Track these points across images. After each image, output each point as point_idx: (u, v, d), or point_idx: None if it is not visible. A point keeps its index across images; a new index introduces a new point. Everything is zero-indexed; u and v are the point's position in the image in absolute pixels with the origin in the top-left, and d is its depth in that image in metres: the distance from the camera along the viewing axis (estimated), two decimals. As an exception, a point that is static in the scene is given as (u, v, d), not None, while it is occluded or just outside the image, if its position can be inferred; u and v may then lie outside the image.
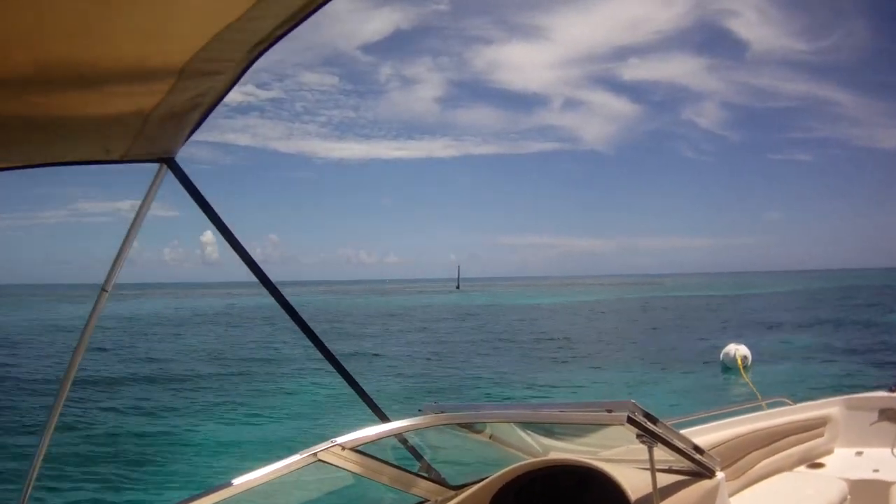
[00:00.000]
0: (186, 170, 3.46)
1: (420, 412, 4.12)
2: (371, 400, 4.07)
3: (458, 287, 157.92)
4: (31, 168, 3.17)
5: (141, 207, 3.49)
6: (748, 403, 6.16)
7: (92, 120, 2.79)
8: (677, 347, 35.00)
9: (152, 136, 3.07)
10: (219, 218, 3.64)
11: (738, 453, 5.07)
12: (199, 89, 2.75)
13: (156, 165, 3.38)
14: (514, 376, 27.48)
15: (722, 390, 23.46)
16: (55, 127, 2.79)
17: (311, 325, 3.93)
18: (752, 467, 5.10)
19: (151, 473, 15.06)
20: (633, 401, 3.32)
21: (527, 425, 4.25)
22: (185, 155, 3.40)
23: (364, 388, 4.06)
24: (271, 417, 20.93)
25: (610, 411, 3.35)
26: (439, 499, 4.12)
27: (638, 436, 3.27)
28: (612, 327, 49.71)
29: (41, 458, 3.32)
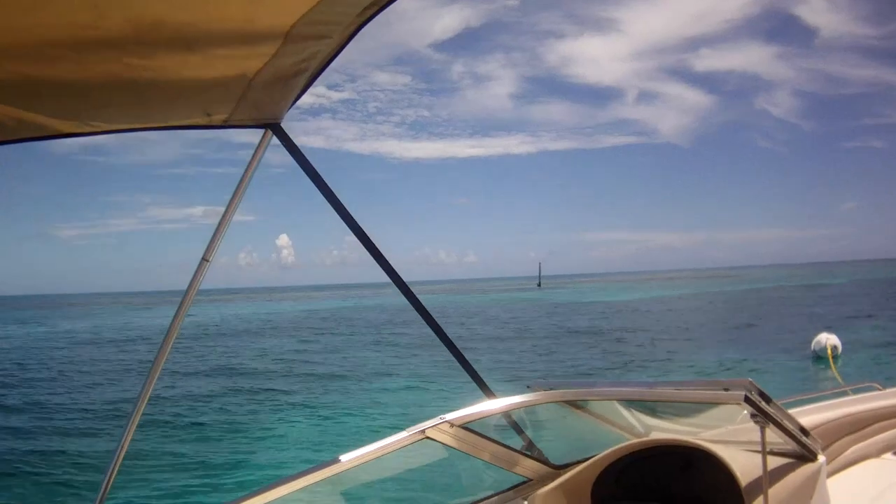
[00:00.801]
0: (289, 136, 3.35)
1: (528, 388, 4.04)
2: (479, 377, 3.93)
3: (539, 285, 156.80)
4: (136, 132, 3.12)
5: (245, 173, 3.37)
6: (834, 389, 5.98)
7: (193, 83, 2.71)
8: (764, 339, 34.30)
9: (256, 101, 3.00)
10: (326, 185, 3.52)
11: (828, 439, 4.91)
12: (305, 53, 2.68)
13: (259, 131, 3.29)
14: (606, 374, 27.25)
15: (812, 380, 22.92)
16: (155, 90, 2.71)
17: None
18: (841, 453, 4.94)
19: (249, 465, 15.28)
20: (749, 379, 3.19)
21: (630, 404, 4.16)
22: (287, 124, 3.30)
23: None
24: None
25: (727, 389, 3.23)
26: (542, 478, 4.03)
27: (752, 415, 3.14)
28: (697, 321, 48.76)
29: (124, 449, 3.23)
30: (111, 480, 3.19)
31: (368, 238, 3.64)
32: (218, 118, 3.09)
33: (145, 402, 3.25)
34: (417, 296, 3.82)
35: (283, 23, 2.37)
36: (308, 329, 55.65)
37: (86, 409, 23.16)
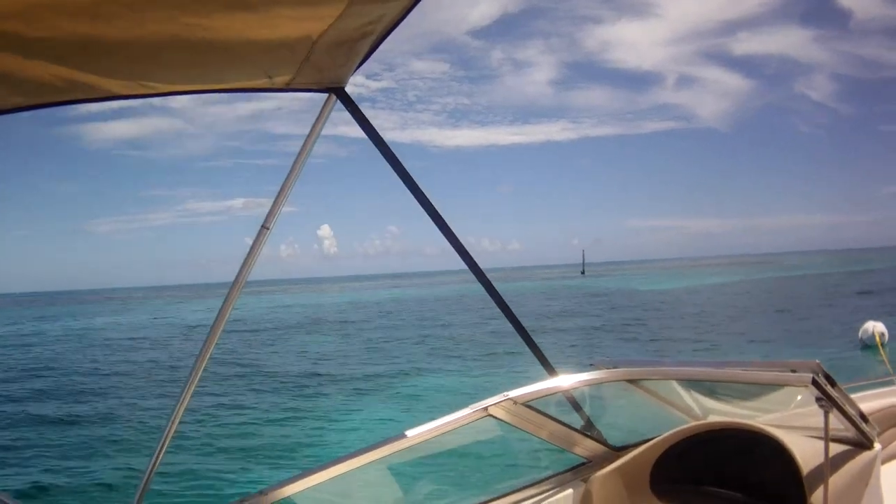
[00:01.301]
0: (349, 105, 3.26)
1: (591, 367, 3.98)
2: (542, 354, 3.85)
3: (583, 272, 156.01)
4: (194, 94, 3.05)
5: (308, 138, 3.27)
6: (884, 378, 5.88)
7: (254, 45, 2.63)
8: (810, 326, 33.82)
9: (319, 64, 2.91)
10: (393, 154, 3.44)
11: (880, 427, 4.81)
12: (371, 16, 2.60)
13: (322, 95, 3.21)
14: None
15: (860, 369, 22.55)
16: (214, 51, 2.62)
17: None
18: (891, 442, 4.87)
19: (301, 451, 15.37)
20: (817, 361, 3.14)
21: (689, 385, 4.09)
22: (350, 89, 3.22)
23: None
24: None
25: (794, 371, 3.17)
26: (600, 459, 3.99)
27: (817, 399, 3.06)
28: (743, 310, 48.12)
29: (169, 437, 3.15)
30: (154, 468, 3.14)
31: (435, 210, 3.58)
32: (280, 81, 3.02)
33: (191, 391, 3.20)
34: (484, 272, 3.75)
35: None
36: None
37: (124, 403, 23.27)
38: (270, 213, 3.27)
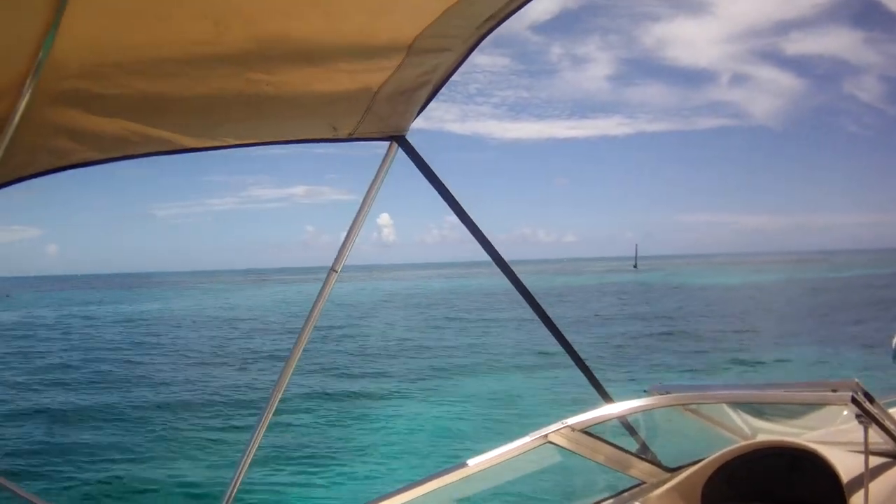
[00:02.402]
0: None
1: (646, 393, 4.03)
2: (596, 380, 3.92)
3: (635, 266, 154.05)
4: (259, 146, 3.08)
5: (372, 185, 3.31)
6: None
7: (318, 97, 2.68)
8: (858, 329, 33.00)
9: (381, 114, 2.95)
10: (451, 195, 3.47)
11: None
12: (427, 66, 2.66)
13: (385, 144, 3.24)
14: (696, 359, 26.90)
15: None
16: (278, 104, 2.68)
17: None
18: None
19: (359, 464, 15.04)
20: (856, 380, 3.23)
21: (737, 405, 4.14)
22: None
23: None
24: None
25: (835, 391, 3.25)
26: (654, 481, 4.00)
27: (857, 416, 3.13)
28: (791, 310, 47.17)
29: (257, 441, 3.18)
30: (242, 474, 3.15)
31: (495, 250, 3.62)
32: (344, 132, 3.05)
33: (282, 390, 3.24)
34: (538, 300, 3.78)
35: (406, 36, 2.39)
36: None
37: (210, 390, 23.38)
38: (338, 257, 3.34)
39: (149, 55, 2.15)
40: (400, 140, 3.25)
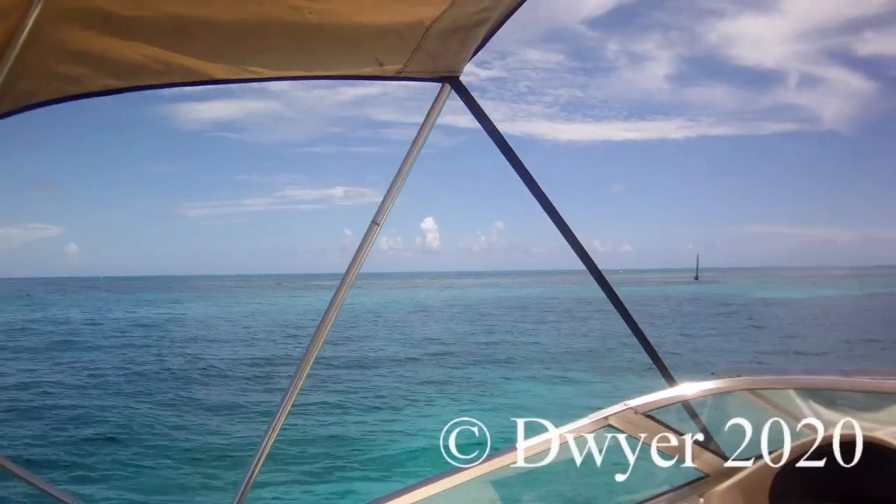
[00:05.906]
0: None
1: (713, 375, 3.84)
2: (662, 362, 3.68)
3: (696, 278, 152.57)
4: (298, 80, 2.89)
5: (421, 129, 3.07)
6: None
7: (364, 30, 2.52)
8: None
9: (433, 52, 2.77)
10: (509, 146, 3.24)
11: None
12: (485, 2, 2.51)
13: (436, 85, 3.04)
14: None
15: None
16: (322, 36, 2.51)
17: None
18: None
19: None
20: None
21: (811, 395, 3.87)
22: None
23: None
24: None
25: None
26: (718, 473, 3.80)
27: None
28: (857, 330, 45.62)
29: (272, 439, 2.96)
30: (255, 471, 2.95)
31: (552, 205, 3.35)
32: (391, 68, 2.86)
33: (298, 387, 3.01)
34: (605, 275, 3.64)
35: None
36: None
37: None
38: (381, 209, 3.08)
39: None
40: (453, 81, 3.02)
